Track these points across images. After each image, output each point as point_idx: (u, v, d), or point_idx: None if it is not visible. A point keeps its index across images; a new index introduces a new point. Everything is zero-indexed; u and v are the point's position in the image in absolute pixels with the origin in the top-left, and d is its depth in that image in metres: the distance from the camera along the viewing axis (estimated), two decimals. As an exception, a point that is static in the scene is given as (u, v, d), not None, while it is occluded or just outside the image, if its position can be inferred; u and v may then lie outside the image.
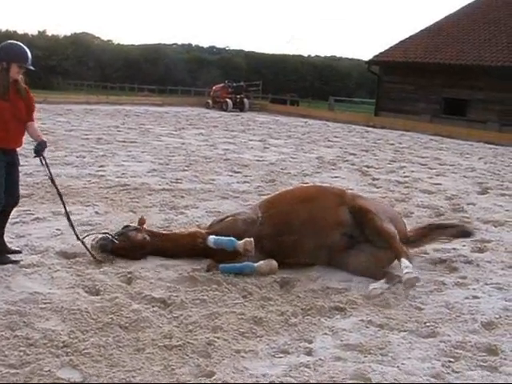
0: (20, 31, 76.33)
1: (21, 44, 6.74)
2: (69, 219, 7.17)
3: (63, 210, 7.27)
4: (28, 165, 12.50)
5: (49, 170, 7.03)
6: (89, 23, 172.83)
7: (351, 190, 11.67)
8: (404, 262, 6.67)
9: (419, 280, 6.58)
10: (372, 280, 6.64)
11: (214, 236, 6.88)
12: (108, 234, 7.11)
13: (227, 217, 7.42)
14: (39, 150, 6.81)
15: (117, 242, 6.91)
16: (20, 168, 7.00)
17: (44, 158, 6.94)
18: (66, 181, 11.17)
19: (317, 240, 7.02)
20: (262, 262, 6.76)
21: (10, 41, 6.83)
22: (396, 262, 6.91)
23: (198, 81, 61.68)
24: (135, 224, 7.37)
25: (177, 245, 7.12)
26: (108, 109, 29.57)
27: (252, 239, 6.71)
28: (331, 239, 7.06)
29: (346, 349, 5.08)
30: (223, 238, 6.84)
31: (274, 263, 6.80)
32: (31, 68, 6.66)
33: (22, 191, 9.79)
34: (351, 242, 7.13)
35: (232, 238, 6.77)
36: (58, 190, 7.23)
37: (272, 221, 7.12)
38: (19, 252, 6.99)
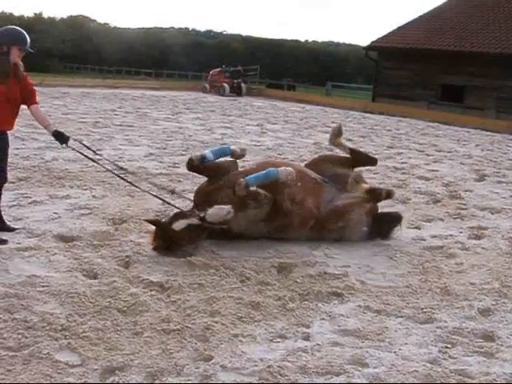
0: (16, 13, 75.91)
1: (19, 28, 6.81)
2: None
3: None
4: (25, 148, 12.48)
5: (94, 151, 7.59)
6: (85, 6, 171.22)
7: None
8: None
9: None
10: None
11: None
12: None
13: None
14: (62, 142, 7.00)
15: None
16: (17, 151, 7.08)
17: (82, 143, 7.56)
18: (63, 164, 11.15)
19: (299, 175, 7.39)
20: (282, 167, 7.05)
21: (8, 26, 6.87)
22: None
23: (195, 65, 61.39)
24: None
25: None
26: (105, 92, 29.45)
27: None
28: (312, 184, 7.58)
29: (343, 334, 5.10)
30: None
31: (291, 169, 7.07)
32: (30, 50, 6.70)
33: (18, 174, 9.85)
34: (328, 189, 7.65)
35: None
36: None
37: (256, 168, 7.44)
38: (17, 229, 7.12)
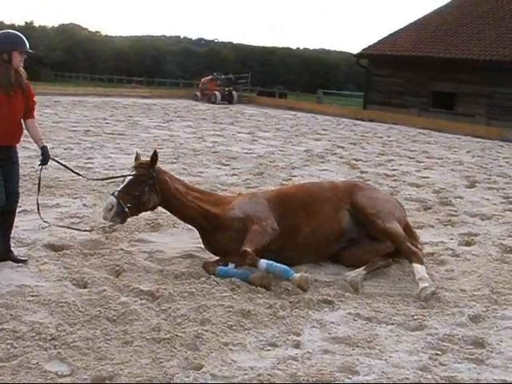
0: (7, 22, 75.81)
1: (13, 31, 6.55)
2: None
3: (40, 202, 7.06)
4: (15, 157, 12.42)
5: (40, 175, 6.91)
6: (76, 14, 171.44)
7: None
8: (417, 269, 6.37)
9: (436, 293, 6.16)
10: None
11: (266, 261, 6.27)
12: (118, 200, 6.43)
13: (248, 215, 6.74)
14: (44, 160, 6.66)
15: (129, 215, 6.55)
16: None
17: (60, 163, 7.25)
18: (53, 173, 11.10)
19: (317, 253, 7.00)
20: (257, 273, 6.26)
21: (2, 31, 6.61)
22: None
23: (186, 73, 61.47)
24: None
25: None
26: (96, 101, 29.43)
27: (309, 276, 6.32)
28: (332, 250, 7.06)
29: (333, 342, 5.10)
30: (277, 265, 6.26)
31: (269, 279, 6.24)
32: (31, 51, 6.48)
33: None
34: (349, 243, 7.09)
35: (287, 268, 6.27)
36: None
37: (280, 233, 6.73)
38: (24, 261, 6.55)
